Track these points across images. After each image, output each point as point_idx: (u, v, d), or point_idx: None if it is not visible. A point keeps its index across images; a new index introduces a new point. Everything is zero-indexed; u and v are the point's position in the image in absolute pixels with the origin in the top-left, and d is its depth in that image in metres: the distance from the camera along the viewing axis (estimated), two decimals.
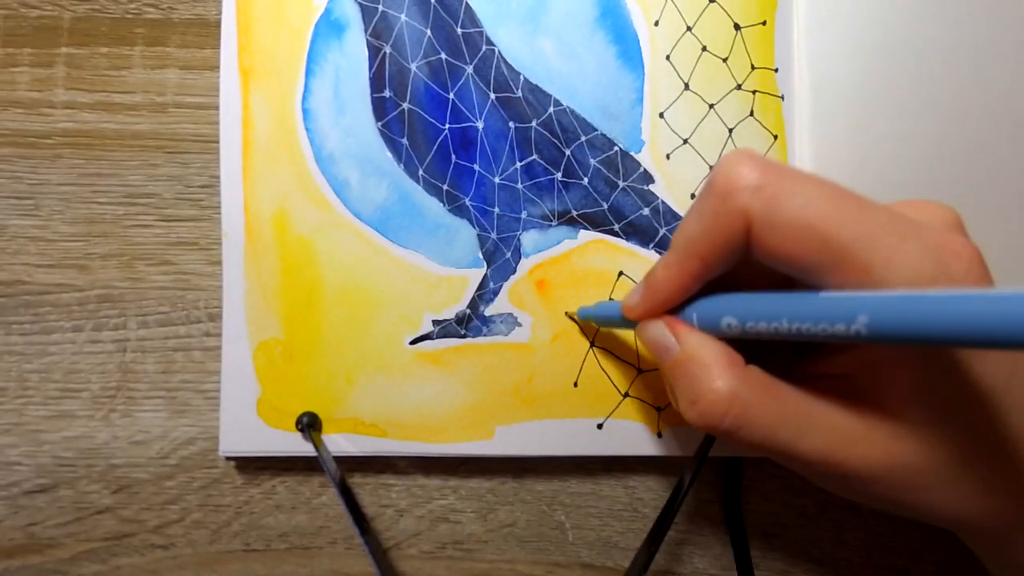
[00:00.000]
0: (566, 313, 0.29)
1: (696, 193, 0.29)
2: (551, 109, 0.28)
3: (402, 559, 0.29)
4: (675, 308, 0.22)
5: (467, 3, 0.28)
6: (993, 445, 0.19)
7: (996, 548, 0.21)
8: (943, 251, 0.18)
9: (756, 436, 0.19)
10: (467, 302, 0.28)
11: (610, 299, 0.29)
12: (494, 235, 0.28)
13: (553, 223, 0.29)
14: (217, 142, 0.28)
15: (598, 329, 0.28)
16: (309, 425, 0.28)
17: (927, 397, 0.19)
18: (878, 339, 0.16)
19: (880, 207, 0.19)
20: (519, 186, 0.29)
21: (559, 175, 0.29)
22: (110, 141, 0.30)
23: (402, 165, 0.28)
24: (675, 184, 0.29)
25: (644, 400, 0.28)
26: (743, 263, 0.20)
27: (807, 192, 0.19)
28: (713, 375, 0.19)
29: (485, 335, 0.28)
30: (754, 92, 0.29)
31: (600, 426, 0.28)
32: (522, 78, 0.28)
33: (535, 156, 0.29)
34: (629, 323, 0.23)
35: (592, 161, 0.29)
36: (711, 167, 0.28)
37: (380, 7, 0.28)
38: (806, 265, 0.19)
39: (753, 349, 0.21)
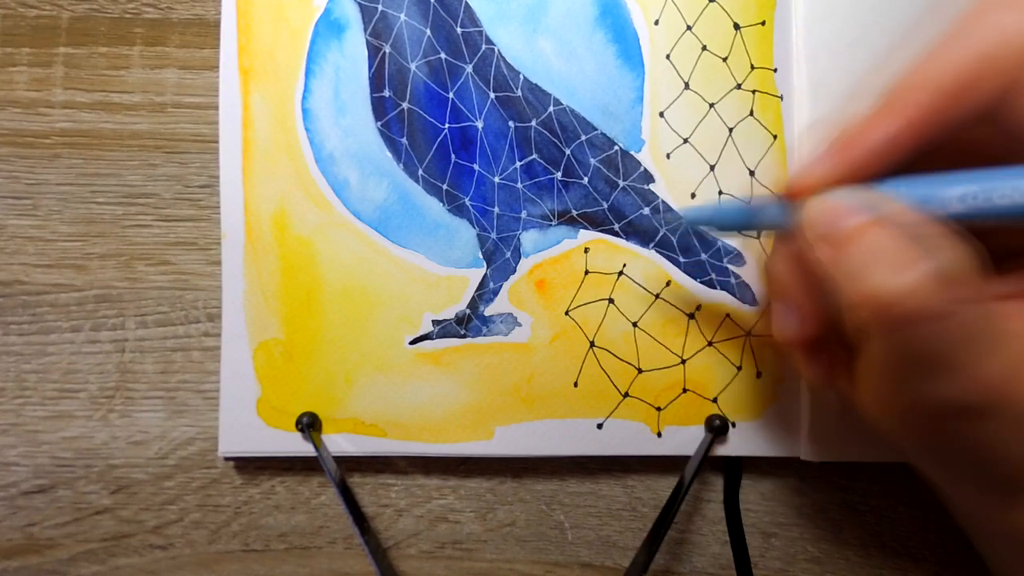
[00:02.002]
0: (665, 220, 0.25)
1: (696, 193, 0.29)
2: (551, 108, 0.28)
3: (402, 559, 0.29)
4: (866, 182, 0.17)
5: (467, 3, 0.28)
6: None
7: None
8: None
9: (943, 335, 0.15)
10: (467, 302, 0.28)
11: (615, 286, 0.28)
12: (494, 235, 0.28)
13: (553, 223, 0.29)
14: (216, 142, 0.28)
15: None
16: (309, 425, 0.28)
17: None
18: None
19: None
20: (519, 186, 0.29)
21: (559, 175, 0.29)
22: (109, 141, 0.30)
23: (402, 165, 0.28)
24: (675, 183, 0.29)
25: (644, 400, 0.28)
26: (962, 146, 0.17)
27: None
28: (924, 246, 0.15)
29: (485, 335, 0.28)
30: (753, 92, 0.29)
31: (600, 426, 0.28)
32: (522, 77, 0.28)
33: (535, 155, 0.29)
34: (778, 219, 0.18)
35: (592, 160, 0.29)
36: (711, 167, 0.29)
37: (380, 7, 0.28)
38: None
39: None
